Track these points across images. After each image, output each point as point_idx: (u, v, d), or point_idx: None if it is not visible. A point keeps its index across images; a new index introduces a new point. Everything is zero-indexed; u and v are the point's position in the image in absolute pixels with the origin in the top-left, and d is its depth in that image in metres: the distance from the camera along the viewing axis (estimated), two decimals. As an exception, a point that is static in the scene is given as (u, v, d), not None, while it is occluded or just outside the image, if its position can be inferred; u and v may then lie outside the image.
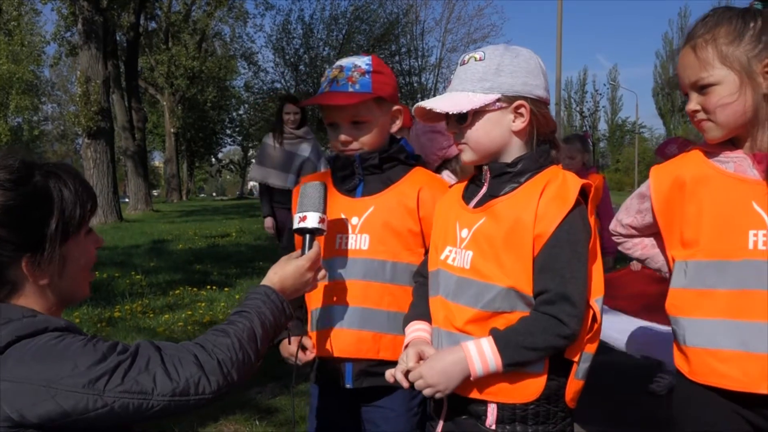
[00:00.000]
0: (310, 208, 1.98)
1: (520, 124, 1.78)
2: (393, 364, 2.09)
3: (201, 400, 1.44)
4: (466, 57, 1.84)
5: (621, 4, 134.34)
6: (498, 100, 1.77)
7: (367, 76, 2.14)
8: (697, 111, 1.75)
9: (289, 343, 2.20)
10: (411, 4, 39.15)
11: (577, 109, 62.52)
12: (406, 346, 1.89)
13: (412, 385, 1.79)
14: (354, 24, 36.08)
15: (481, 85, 1.77)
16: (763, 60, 1.67)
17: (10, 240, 1.45)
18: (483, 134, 1.80)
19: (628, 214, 2.03)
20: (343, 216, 2.19)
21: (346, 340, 2.14)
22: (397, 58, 39.14)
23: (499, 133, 1.79)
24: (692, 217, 1.75)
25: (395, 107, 2.24)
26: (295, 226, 2.00)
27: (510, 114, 1.79)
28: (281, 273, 1.86)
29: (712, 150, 1.79)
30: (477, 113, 1.78)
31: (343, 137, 2.17)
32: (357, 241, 2.15)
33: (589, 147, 6.37)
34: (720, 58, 1.69)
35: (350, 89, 2.12)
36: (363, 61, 2.18)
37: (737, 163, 1.74)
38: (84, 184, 1.59)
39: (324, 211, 2.00)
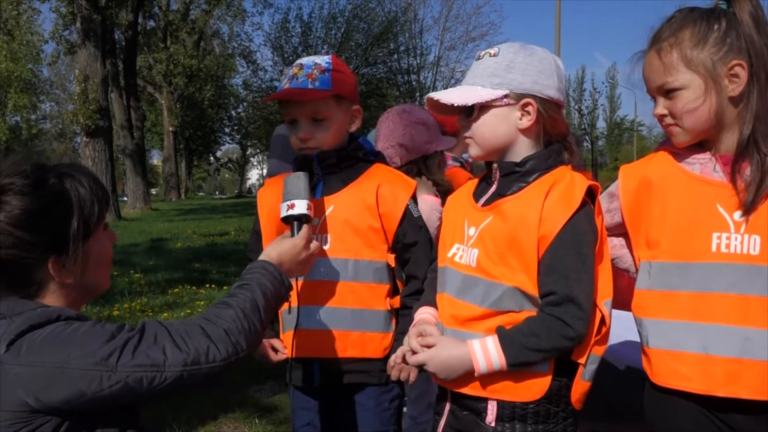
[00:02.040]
0: (297, 195, 1.99)
1: (526, 122, 1.78)
2: (360, 361, 2.15)
3: (213, 368, 1.45)
4: (482, 53, 1.84)
5: (619, 3, 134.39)
6: (506, 96, 1.77)
7: (326, 73, 2.13)
8: (664, 115, 1.73)
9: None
10: (409, 2, 39.12)
11: (576, 107, 62.52)
12: (413, 327, 1.92)
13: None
14: (352, 22, 36.09)
15: (490, 80, 1.77)
16: (728, 63, 1.64)
17: (36, 243, 1.49)
18: (488, 129, 1.80)
19: None
20: None
21: (312, 340, 2.15)
22: (395, 56, 39.18)
23: (505, 129, 1.79)
24: (657, 217, 1.73)
25: (354, 107, 2.24)
26: (284, 214, 1.99)
27: (517, 111, 1.78)
28: (278, 249, 1.88)
29: (679, 151, 1.77)
30: (483, 108, 1.78)
31: (302, 134, 2.16)
32: (318, 241, 2.13)
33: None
34: (685, 62, 1.66)
35: (310, 86, 2.11)
36: (323, 60, 2.17)
37: (703, 165, 1.71)
38: (97, 181, 1.62)
39: (310, 199, 2.00)
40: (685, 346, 1.66)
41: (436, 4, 57.80)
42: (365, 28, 36.52)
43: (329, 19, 36.37)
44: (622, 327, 2.15)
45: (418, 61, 41.07)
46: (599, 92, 63.25)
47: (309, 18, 36.76)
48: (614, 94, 69.22)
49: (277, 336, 2.27)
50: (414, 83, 40.83)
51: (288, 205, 1.98)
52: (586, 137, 55.19)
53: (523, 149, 1.81)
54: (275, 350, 2.23)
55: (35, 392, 1.37)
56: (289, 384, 2.32)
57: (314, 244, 1.99)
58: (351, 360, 2.15)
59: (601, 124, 68.98)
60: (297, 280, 2.15)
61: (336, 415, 2.26)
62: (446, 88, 40.62)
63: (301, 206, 1.97)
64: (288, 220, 1.99)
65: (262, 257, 1.85)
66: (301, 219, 1.98)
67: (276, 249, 1.88)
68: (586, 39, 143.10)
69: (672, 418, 1.72)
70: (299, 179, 2.02)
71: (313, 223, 2.06)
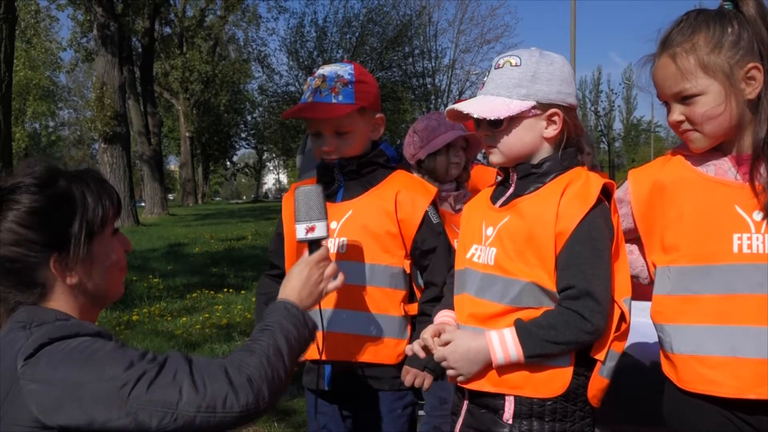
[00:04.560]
0: (317, 217, 1.90)
1: (552, 131, 1.82)
2: (374, 366, 2.16)
3: (227, 417, 1.39)
4: (501, 60, 1.86)
5: (635, 2, 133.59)
6: (533, 107, 1.79)
7: (350, 86, 2.13)
8: (681, 122, 1.71)
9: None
10: (424, 5, 39.12)
11: (592, 108, 62.19)
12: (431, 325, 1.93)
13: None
14: (367, 26, 36.06)
15: (517, 92, 1.79)
16: (744, 66, 1.63)
17: (37, 241, 1.50)
18: (516, 140, 1.82)
19: None
20: None
21: (326, 343, 2.15)
22: (410, 59, 39.09)
23: (531, 139, 1.82)
24: (673, 221, 1.72)
25: (378, 115, 2.25)
26: (302, 236, 1.91)
27: (543, 121, 1.82)
28: (291, 284, 1.83)
29: (691, 154, 1.75)
30: (513, 119, 1.80)
31: (326, 147, 2.18)
32: (336, 245, 2.16)
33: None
34: (702, 67, 1.64)
35: (333, 100, 2.12)
36: (345, 71, 2.17)
37: (718, 166, 1.70)
38: (104, 185, 1.64)
39: (327, 217, 1.94)
40: (712, 350, 1.64)
41: (451, 6, 58.03)
42: (380, 32, 36.46)
43: (344, 23, 36.38)
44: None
45: (433, 64, 41.00)
46: (616, 93, 62.87)
47: (324, 22, 36.80)
48: (630, 95, 68.72)
49: None
50: (429, 86, 40.76)
51: (307, 228, 1.90)
52: (603, 139, 54.89)
53: (543, 155, 1.85)
54: None
55: (46, 411, 1.35)
56: (304, 386, 2.34)
57: (330, 268, 1.89)
58: (364, 365, 2.16)
59: (617, 126, 68.47)
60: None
61: (350, 420, 2.28)
62: (461, 91, 40.05)
63: (321, 229, 1.90)
64: (307, 242, 1.92)
65: (280, 296, 1.80)
66: (319, 241, 1.92)
67: (288, 285, 1.82)
68: (602, 40, 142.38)
69: (695, 421, 1.71)
70: (316, 196, 1.93)
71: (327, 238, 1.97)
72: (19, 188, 1.51)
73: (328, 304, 2.16)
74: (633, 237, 1.86)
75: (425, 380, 2.12)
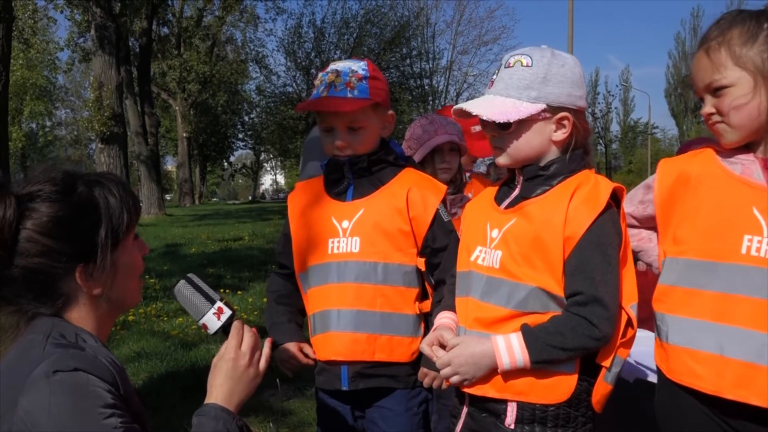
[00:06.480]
0: (202, 312, 1.72)
1: (561, 135, 1.79)
2: (389, 365, 2.15)
3: None
4: (512, 60, 1.82)
5: (632, 4, 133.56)
6: (543, 110, 1.77)
7: (364, 81, 2.14)
8: (711, 114, 1.72)
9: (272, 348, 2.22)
10: (422, 6, 39.19)
11: (589, 110, 62.25)
12: (431, 332, 1.93)
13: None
14: (365, 27, 36.03)
15: (527, 94, 1.77)
16: None
17: (63, 251, 1.46)
18: (524, 143, 1.80)
19: (631, 203, 1.98)
20: (333, 220, 2.19)
21: (342, 343, 2.15)
22: (408, 61, 39.12)
23: (539, 141, 1.80)
24: (690, 213, 1.74)
25: (389, 112, 2.26)
26: (212, 332, 1.74)
27: (552, 124, 1.79)
28: (220, 383, 1.61)
29: (723, 149, 1.76)
30: (522, 122, 1.78)
31: (339, 143, 2.17)
32: (348, 244, 2.15)
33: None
34: (733, 59, 1.66)
35: (349, 95, 2.12)
36: (359, 66, 2.17)
37: (745, 165, 1.71)
38: (127, 189, 1.59)
39: (215, 299, 1.73)
40: (702, 345, 1.66)
41: (449, 8, 58.23)
42: (377, 33, 36.44)
43: (342, 24, 36.34)
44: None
45: (431, 66, 41.07)
46: (613, 95, 62.99)
47: (322, 23, 36.76)
48: (628, 96, 68.86)
49: (307, 340, 2.27)
50: (426, 87, 40.81)
51: (202, 326, 1.74)
52: (600, 141, 54.91)
53: (551, 157, 1.82)
54: (305, 354, 2.23)
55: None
56: (317, 387, 2.32)
57: (246, 342, 1.67)
58: (379, 364, 2.15)
59: (614, 128, 68.60)
60: (328, 283, 2.16)
61: (364, 419, 2.27)
62: (459, 92, 39.91)
63: (212, 323, 1.72)
64: (220, 331, 1.74)
65: (211, 399, 1.60)
66: (226, 327, 1.72)
67: (216, 385, 1.61)
68: (600, 41, 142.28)
69: (681, 419, 1.73)
70: (189, 291, 1.74)
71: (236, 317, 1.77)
72: (39, 196, 1.46)
73: (343, 304, 2.15)
74: (653, 225, 1.87)
75: (444, 383, 2.12)
